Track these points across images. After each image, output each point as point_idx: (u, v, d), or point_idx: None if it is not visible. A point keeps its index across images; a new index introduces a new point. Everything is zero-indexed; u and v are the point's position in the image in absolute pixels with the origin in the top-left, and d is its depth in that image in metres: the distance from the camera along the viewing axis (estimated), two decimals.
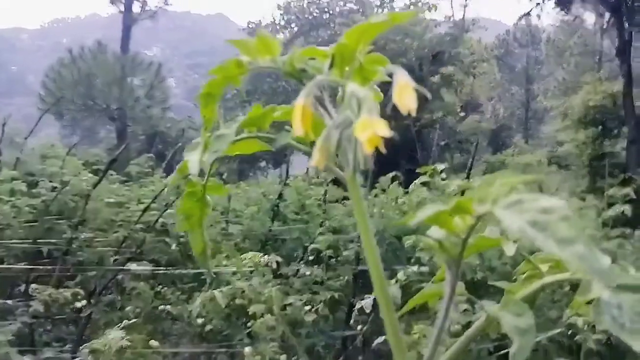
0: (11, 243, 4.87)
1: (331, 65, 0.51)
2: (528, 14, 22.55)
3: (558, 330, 3.33)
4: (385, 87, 0.55)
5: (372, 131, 0.42)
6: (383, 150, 0.43)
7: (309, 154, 0.48)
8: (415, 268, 3.09)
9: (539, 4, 21.14)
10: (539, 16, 22.11)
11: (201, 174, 0.61)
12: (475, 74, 23.40)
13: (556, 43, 28.41)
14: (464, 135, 20.59)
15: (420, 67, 19.32)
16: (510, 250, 0.52)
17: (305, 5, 25.66)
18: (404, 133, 17.92)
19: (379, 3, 25.11)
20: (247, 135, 0.56)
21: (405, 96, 0.45)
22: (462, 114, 21.95)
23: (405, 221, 0.44)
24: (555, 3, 20.87)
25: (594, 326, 3.12)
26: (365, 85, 0.53)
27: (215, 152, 0.52)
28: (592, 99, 15.93)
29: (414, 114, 0.44)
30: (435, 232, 0.48)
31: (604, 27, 21.06)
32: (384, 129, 0.42)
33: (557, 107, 18.99)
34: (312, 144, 0.50)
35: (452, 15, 25.39)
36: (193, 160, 0.53)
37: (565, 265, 0.54)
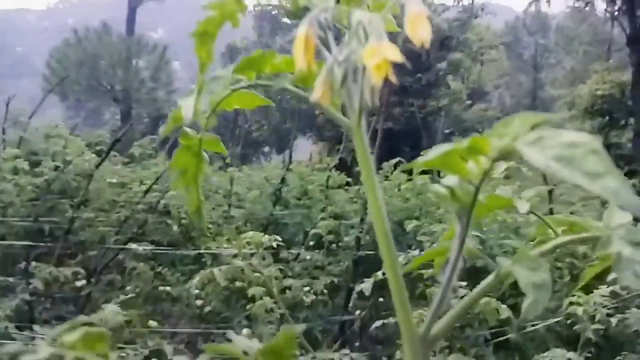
0: (13, 220, 4.87)
1: (337, 2, 0.47)
2: None
3: (556, 320, 3.32)
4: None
5: (381, 57, 0.38)
6: (394, 79, 0.39)
7: (307, 99, 0.45)
8: (416, 252, 3.07)
9: None
10: (548, 2, 21.84)
11: (197, 127, 0.57)
12: (482, 61, 23.18)
13: (565, 31, 28.09)
14: (469, 124, 20.45)
15: (427, 52, 19.12)
16: (522, 207, 0.49)
17: None
18: (408, 120, 17.82)
19: None
20: (244, 83, 0.52)
21: (419, 27, 0.41)
22: (468, 102, 21.78)
23: (416, 164, 0.40)
24: None
25: (593, 316, 3.12)
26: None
27: (210, 94, 0.49)
28: (600, 88, 15.77)
29: (427, 45, 0.41)
30: (448, 179, 0.45)
31: (615, 14, 20.80)
32: (395, 54, 0.39)
33: (564, 96, 18.82)
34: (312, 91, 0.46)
35: (461, 0, 25.07)
36: (187, 104, 0.49)
37: (580, 227, 0.51)
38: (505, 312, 2.56)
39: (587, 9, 23.39)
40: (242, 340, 0.44)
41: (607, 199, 0.33)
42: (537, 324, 3.38)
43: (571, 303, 3.16)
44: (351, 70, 0.42)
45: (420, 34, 0.41)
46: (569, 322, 3.23)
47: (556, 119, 0.39)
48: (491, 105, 25.84)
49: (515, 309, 2.80)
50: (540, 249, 0.47)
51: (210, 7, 0.50)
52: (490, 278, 0.47)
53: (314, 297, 4.15)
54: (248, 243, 3.10)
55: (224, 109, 0.59)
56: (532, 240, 0.58)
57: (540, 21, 31.26)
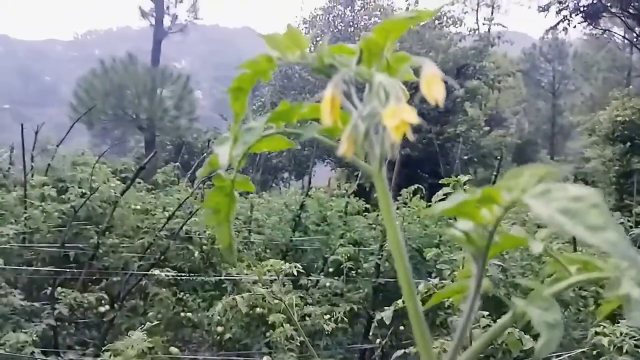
0: (39, 247, 4.97)
1: (359, 61, 0.52)
2: (555, 27, 22.29)
3: (581, 350, 3.24)
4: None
5: (400, 118, 0.42)
6: (411, 137, 0.43)
7: (334, 148, 0.49)
8: (436, 281, 3.05)
9: (566, 17, 20.88)
10: (566, 30, 21.82)
11: (229, 168, 0.62)
12: (500, 88, 23.14)
13: (583, 57, 27.96)
14: (487, 150, 20.31)
15: (445, 80, 19.13)
16: (536, 248, 0.51)
17: (330, 19, 25.88)
18: (426, 147, 17.77)
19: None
20: (275, 130, 0.57)
21: (433, 87, 0.45)
22: (487, 128, 21.67)
23: (431, 212, 0.44)
24: (582, 17, 20.58)
25: (620, 347, 3.04)
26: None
27: (244, 144, 0.53)
28: (621, 114, 15.55)
29: (441, 105, 0.45)
30: (462, 224, 0.48)
31: (634, 40, 20.70)
32: (412, 116, 0.43)
33: (583, 122, 18.58)
34: (339, 140, 0.50)
35: (478, 29, 25.24)
36: (223, 152, 0.54)
37: (593, 266, 0.53)
38: (529, 342, 2.52)
39: (604, 35, 23.32)
40: None
41: (607, 251, 0.36)
42: (562, 355, 3.31)
43: (596, 333, 3.09)
44: (373, 124, 0.46)
45: (435, 94, 0.45)
46: (595, 353, 3.15)
47: (563, 172, 0.42)
48: (509, 131, 25.62)
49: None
50: (553, 288, 0.50)
51: (244, 67, 0.54)
52: (507, 316, 0.49)
53: (334, 325, 4.13)
54: (268, 270, 3.13)
55: (254, 152, 0.63)
56: (550, 276, 0.60)
57: (557, 48, 31.14)
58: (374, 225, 6.13)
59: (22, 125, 5.47)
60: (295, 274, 3.25)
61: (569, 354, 3.36)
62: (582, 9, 20.32)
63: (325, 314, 4.29)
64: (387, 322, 2.98)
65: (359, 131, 0.46)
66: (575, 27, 21.43)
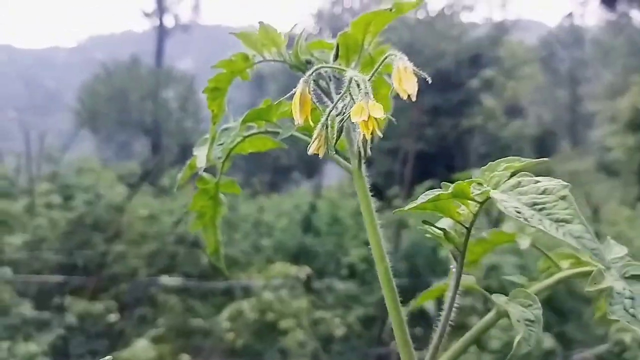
0: (47, 255, 4.99)
1: (336, 56, 0.51)
2: (571, 14, 21.91)
3: (604, 346, 3.20)
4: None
5: (366, 114, 0.41)
6: (379, 134, 0.42)
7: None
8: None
9: (583, 2, 20.51)
10: (582, 16, 21.44)
11: (214, 171, 0.61)
12: (517, 78, 22.73)
13: (601, 43, 27.42)
14: (506, 142, 19.86)
15: (458, 71, 18.74)
16: (524, 244, 0.50)
17: (338, 13, 25.72)
18: (442, 141, 17.45)
19: None
20: (255, 130, 0.56)
21: (405, 81, 0.44)
22: (504, 119, 21.25)
23: (404, 210, 0.43)
24: (600, 1, 20.19)
25: None
26: (376, 77, 0.52)
27: (220, 145, 0.53)
28: None
29: (414, 99, 0.44)
30: (442, 222, 0.47)
31: None
32: (377, 111, 0.42)
33: (604, 110, 18.14)
34: None
35: (492, 18, 24.93)
36: (201, 155, 0.53)
37: (584, 261, 0.52)
38: (549, 341, 2.48)
39: (622, 20, 22.90)
40: None
41: (571, 243, 0.35)
42: (583, 351, 3.27)
43: (618, 329, 3.05)
44: (348, 120, 0.45)
45: (406, 87, 0.44)
46: (617, 350, 3.11)
47: (535, 163, 0.41)
48: (528, 121, 25.12)
49: (561, 337, 2.71)
50: (540, 284, 0.49)
51: (219, 66, 0.54)
52: (490, 314, 0.48)
53: (347, 329, 4.07)
54: (277, 275, 3.10)
55: (239, 153, 0.62)
56: (543, 271, 0.59)
57: (574, 35, 30.54)
58: (387, 225, 6.06)
59: (27, 133, 5.51)
60: (305, 277, 3.22)
61: (591, 352, 3.32)
62: None
63: (337, 317, 4.23)
64: None
65: (332, 129, 0.45)
66: (592, 12, 21.04)
